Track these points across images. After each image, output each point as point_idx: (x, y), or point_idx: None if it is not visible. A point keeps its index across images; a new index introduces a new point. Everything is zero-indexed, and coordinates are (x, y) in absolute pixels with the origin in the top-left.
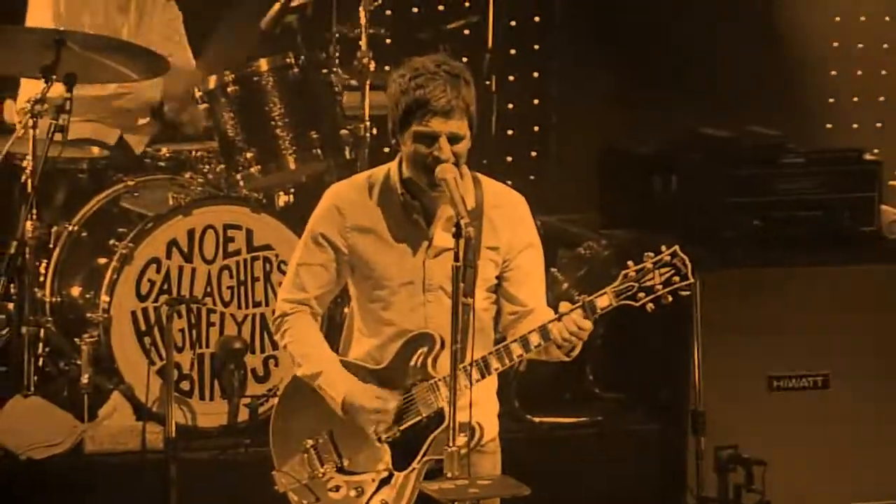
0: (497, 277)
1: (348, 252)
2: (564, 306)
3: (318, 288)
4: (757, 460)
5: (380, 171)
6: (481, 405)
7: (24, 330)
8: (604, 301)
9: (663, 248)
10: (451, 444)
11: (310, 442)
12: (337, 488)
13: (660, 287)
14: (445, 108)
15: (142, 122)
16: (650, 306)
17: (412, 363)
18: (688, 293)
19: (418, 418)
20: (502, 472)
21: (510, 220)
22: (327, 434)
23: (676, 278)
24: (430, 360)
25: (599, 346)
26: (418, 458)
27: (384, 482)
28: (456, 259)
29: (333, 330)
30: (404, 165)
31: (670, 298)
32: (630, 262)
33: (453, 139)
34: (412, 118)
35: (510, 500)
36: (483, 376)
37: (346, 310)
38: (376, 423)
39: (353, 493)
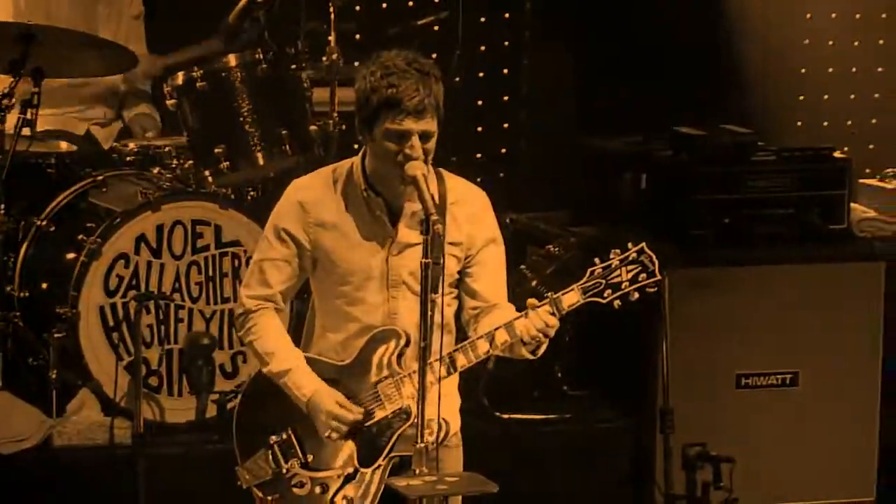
0: (459, 273)
1: (311, 247)
2: (531, 303)
3: (282, 283)
4: (725, 458)
5: (343, 165)
6: (448, 400)
7: None
8: (571, 298)
9: (630, 245)
10: (419, 441)
11: (273, 438)
12: (301, 484)
13: (627, 284)
14: (418, 108)
15: (108, 115)
16: (617, 303)
17: (377, 359)
18: (654, 290)
19: (383, 415)
20: (471, 469)
21: (472, 216)
22: (291, 430)
23: (643, 275)
24: (394, 357)
25: (568, 343)
26: (384, 454)
27: (349, 478)
28: (425, 255)
29: (301, 326)
30: (369, 160)
31: (637, 295)
32: (597, 260)
33: (424, 137)
34: (383, 116)
35: (478, 497)
36: (449, 373)
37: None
38: (332, 430)
39: (317, 489)
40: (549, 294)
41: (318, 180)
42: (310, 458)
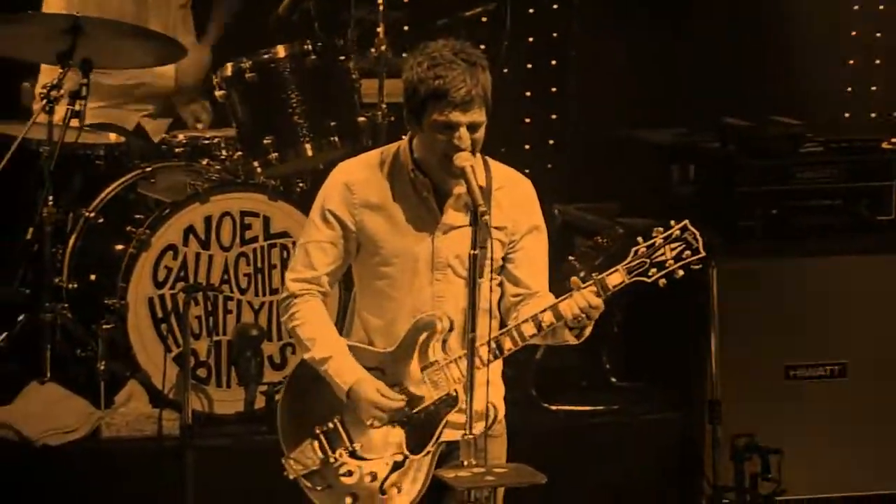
0: (502, 259)
1: (356, 229)
2: (575, 282)
3: (328, 265)
4: (773, 449)
5: (390, 149)
6: (493, 387)
7: (40, 316)
8: (616, 278)
9: (672, 222)
10: (468, 432)
11: (320, 427)
12: (350, 473)
13: (671, 262)
14: (465, 99)
15: (159, 109)
16: (662, 282)
17: (421, 345)
18: (699, 267)
19: (430, 402)
20: (519, 460)
21: (516, 202)
22: (337, 419)
23: (688, 252)
24: (438, 342)
25: (616, 334)
26: (432, 440)
27: (398, 465)
28: (473, 247)
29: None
30: (416, 147)
31: (682, 273)
32: (640, 239)
33: (472, 127)
34: (430, 107)
35: (525, 488)
36: (496, 357)
37: None
38: (373, 418)
39: (367, 477)
40: (595, 275)
41: (364, 162)
42: (357, 446)
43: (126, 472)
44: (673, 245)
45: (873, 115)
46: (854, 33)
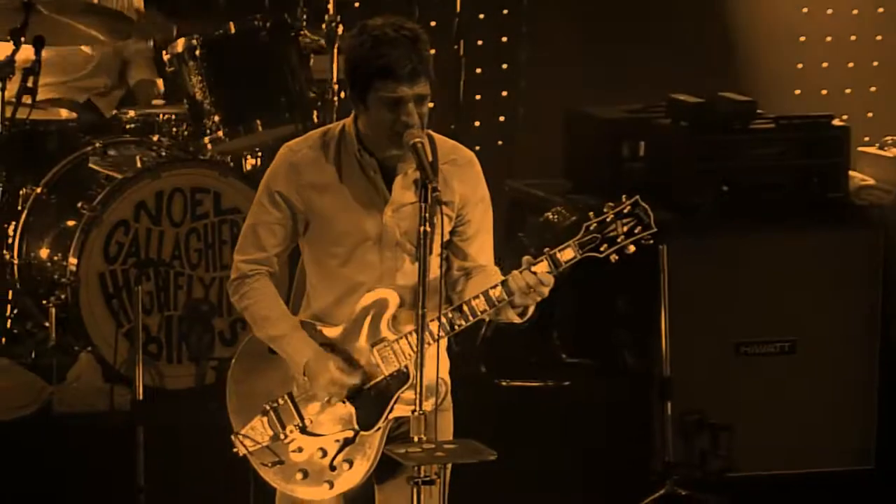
0: (449, 233)
1: (304, 209)
2: (528, 260)
3: (276, 246)
4: (723, 426)
5: (334, 127)
6: (441, 361)
7: None
8: (567, 254)
9: (623, 197)
10: (418, 409)
11: (270, 404)
12: (300, 449)
13: (622, 237)
14: (412, 74)
15: (109, 84)
16: (613, 257)
17: (371, 322)
18: (651, 242)
19: (381, 377)
20: (469, 436)
21: (462, 176)
22: (287, 395)
23: (639, 228)
24: (389, 319)
25: (566, 311)
26: (383, 416)
27: (348, 441)
28: (422, 223)
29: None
30: (362, 126)
31: (633, 248)
32: (591, 214)
33: (418, 101)
34: (376, 85)
35: (475, 463)
36: (446, 334)
37: None
38: (332, 394)
39: (317, 454)
40: (546, 250)
41: (310, 142)
42: (307, 422)
43: (77, 446)
44: (624, 220)
45: (824, 91)
46: (805, 10)
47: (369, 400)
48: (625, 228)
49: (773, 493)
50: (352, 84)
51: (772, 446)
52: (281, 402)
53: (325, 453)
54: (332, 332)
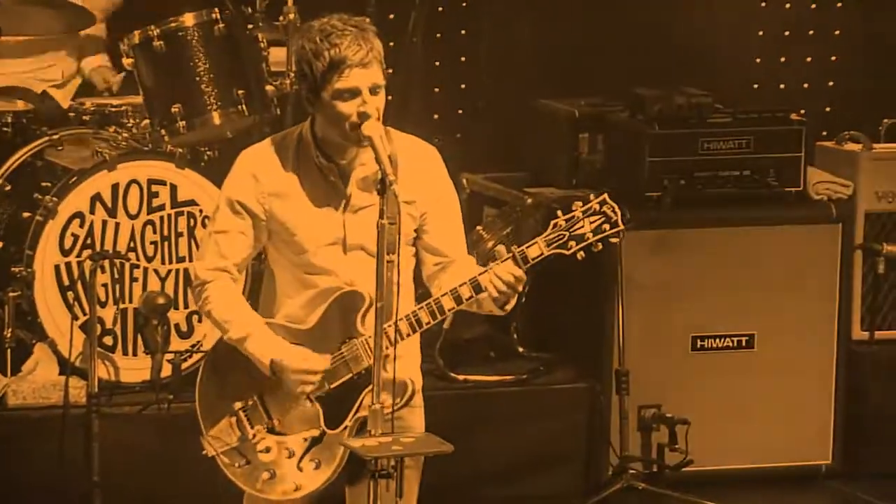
0: (416, 230)
1: (266, 217)
2: (500, 254)
3: (238, 255)
4: (680, 419)
5: (292, 133)
6: (410, 359)
7: None
8: (535, 251)
9: (591, 196)
10: (373, 402)
11: (238, 405)
12: (268, 449)
13: (590, 235)
14: (364, 61)
15: (66, 74)
16: (580, 255)
17: (339, 322)
18: (618, 240)
19: (349, 376)
20: (427, 429)
21: (424, 173)
22: (257, 396)
23: (606, 226)
24: (358, 318)
25: (523, 304)
26: (350, 416)
27: (315, 441)
28: (381, 217)
29: (257, 289)
30: (319, 127)
31: (601, 246)
32: (559, 212)
33: (374, 89)
34: (330, 76)
35: (433, 457)
36: (414, 331)
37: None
38: (304, 384)
39: (284, 453)
40: (514, 247)
41: (268, 149)
42: (275, 422)
43: (32, 440)
44: (592, 218)
45: (782, 86)
46: (763, 4)
47: (337, 399)
48: (592, 226)
49: (730, 488)
50: (305, 82)
51: (729, 441)
52: (250, 402)
53: (292, 453)
54: (299, 332)
